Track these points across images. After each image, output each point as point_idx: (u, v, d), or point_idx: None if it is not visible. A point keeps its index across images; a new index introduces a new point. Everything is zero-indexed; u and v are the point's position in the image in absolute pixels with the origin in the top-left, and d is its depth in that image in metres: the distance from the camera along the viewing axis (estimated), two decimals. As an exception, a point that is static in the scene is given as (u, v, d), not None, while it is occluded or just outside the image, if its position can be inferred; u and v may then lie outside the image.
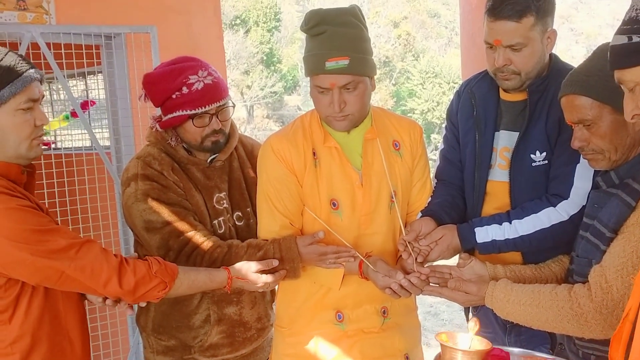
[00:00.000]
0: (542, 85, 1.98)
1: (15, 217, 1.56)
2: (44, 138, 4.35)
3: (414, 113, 28.18)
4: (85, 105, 4.13)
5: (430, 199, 2.13)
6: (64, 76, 3.08)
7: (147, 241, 2.06)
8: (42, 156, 3.11)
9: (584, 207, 1.84)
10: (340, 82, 1.87)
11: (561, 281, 1.89)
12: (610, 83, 1.36)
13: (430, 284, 1.91)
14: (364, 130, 2.03)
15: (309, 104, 2.16)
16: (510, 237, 1.93)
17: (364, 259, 1.94)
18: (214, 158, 2.19)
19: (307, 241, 1.95)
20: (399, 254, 2.00)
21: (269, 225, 2.04)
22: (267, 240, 2.01)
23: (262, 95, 27.27)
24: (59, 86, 4.07)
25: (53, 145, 4.37)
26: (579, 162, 1.88)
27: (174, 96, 2.06)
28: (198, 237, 2.02)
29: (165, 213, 2.02)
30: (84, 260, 1.62)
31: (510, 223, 1.94)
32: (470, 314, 2.28)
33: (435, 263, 2.00)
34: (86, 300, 1.87)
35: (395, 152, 2.09)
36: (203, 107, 2.06)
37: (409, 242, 1.95)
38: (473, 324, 1.38)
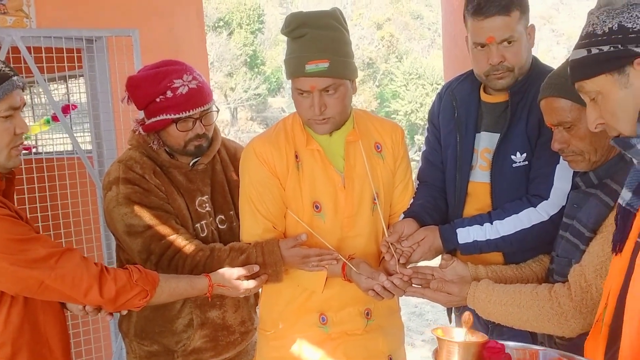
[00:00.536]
0: (523, 87, 2.00)
1: None
2: (25, 142, 4.31)
3: (397, 114, 28.28)
4: (66, 109, 4.10)
5: (412, 200, 2.14)
6: (45, 80, 3.05)
7: (128, 245, 2.06)
8: (22, 160, 3.10)
9: (563, 207, 1.86)
10: (321, 85, 1.88)
11: (542, 281, 1.91)
12: None
13: (413, 285, 1.92)
14: (346, 132, 2.03)
15: (293, 106, 2.16)
16: (492, 238, 1.95)
17: (346, 262, 1.94)
18: (196, 161, 2.18)
19: (290, 244, 1.95)
20: (382, 256, 2.01)
21: (251, 228, 2.03)
22: (249, 243, 2.01)
23: (246, 98, 27.22)
24: (40, 90, 4.04)
25: (34, 150, 4.33)
26: (558, 163, 1.90)
27: (158, 100, 2.05)
28: (180, 241, 2.01)
29: (147, 217, 2.02)
30: (64, 269, 1.61)
31: (492, 224, 1.96)
32: (453, 315, 2.30)
33: (417, 264, 2.02)
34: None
35: (377, 154, 2.10)
36: (187, 112, 2.06)
37: (391, 244, 1.95)
38: (467, 318, 1.39)
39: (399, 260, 1.93)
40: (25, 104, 1.72)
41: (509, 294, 1.72)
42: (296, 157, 2.01)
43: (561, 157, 1.82)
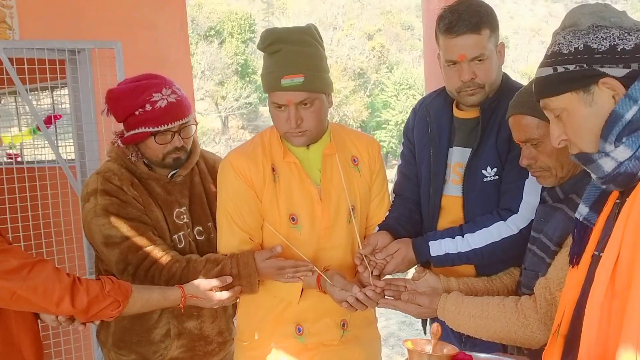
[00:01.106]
0: (494, 104, 2.04)
1: None
2: (10, 151, 4.30)
3: (388, 124, 28.39)
4: (50, 119, 4.12)
5: (388, 213, 2.18)
6: (27, 90, 3.08)
7: (106, 256, 2.08)
8: (4, 170, 3.12)
9: (532, 221, 1.91)
10: (296, 99, 1.92)
11: (512, 292, 1.95)
12: None
13: (386, 296, 1.95)
14: (322, 146, 2.07)
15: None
16: (463, 251, 1.99)
17: (321, 273, 1.97)
18: (174, 173, 2.21)
19: (265, 256, 1.98)
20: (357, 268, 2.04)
21: (228, 240, 2.06)
22: (225, 255, 2.04)
23: (237, 106, 27.24)
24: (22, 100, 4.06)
25: (19, 159, 4.34)
26: (527, 177, 1.94)
27: (137, 113, 2.08)
28: (156, 252, 2.04)
29: (124, 228, 2.04)
30: (36, 280, 1.64)
31: (463, 237, 2.00)
32: (428, 325, 2.33)
33: (391, 276, 2.05)
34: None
35: (354, 167, 2.14)
36: (165, 125, 2.09)
37: (365, 256, 1.99)
38: (435, 329, 1.43)
39: (372, 272, 1.96)
40: None
41: (477, 306, 1.76)
42: (273, 170, 2.04)
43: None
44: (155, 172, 2.19)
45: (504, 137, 2.00)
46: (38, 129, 3.83)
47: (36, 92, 4.16)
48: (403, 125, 2.43)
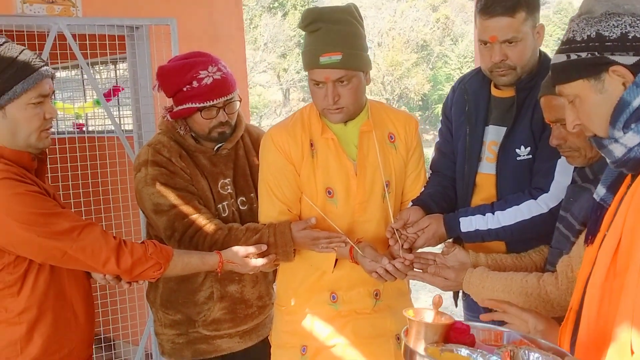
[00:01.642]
0: (530, 83, 2.06)
1: (24, 201, 1.73)
2: (78, 121, 4.55)
3: (451, 98, 27.75)
4: (115, 91, 4.33)
5: (422, 189, 2.24)
6: (89, 64, 3.26)
7: (155, 222, 2.23)
8: (67, 139, 3.33)
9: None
10: (334, 76, 1.98)
11: (540, 270, 1.98)
12: None
13: (415, 269, 2.02)
14: (360, 122, 2.14)
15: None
16: (493, 227, 2.03)
17: (353, 245, 2.05)
18: (220, 146, 2.34)
19: (301, 226, 2.08)
20: (390, 241, 2.11)
21: (268, 210, 2.17)
22: (264, 224, 2.15)
23: (298, 79, 27.33)
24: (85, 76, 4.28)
25: (84, 128, 4.59)
26: (560, 157, 1.96)
27: (184, 89, 2.20)
28: (201, 220, 2.17)
29: (172, 197, 2.18)
30: (85, 242, 1.79)
31: (493, 214, 2.04)
32: (460, 300, 2.39)
33: (422, 250, 2.12)
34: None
35: (390, 144, 2.20)
36: (211, 101, 2.20)
37: (396, 230, 2.06)
38: (437, 300, 1.50)
39: (402, 245, 2.04)
40: (54, 92, 1.89)
41: (501, 280, 1.81)
42: (311, 145, 2.13)
43: (561, 153, 1.88)
44: (202, 145, 2.31)
45: (538, 117, 2.02)
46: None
47: (98, 66, 4.37)
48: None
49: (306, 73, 2.09)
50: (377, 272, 1.99)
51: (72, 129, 4.57)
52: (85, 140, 3.39)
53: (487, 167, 2.15)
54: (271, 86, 28.23)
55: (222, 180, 2.33)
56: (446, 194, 2.23)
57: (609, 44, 1.27)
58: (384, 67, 26.49)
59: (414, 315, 1.46)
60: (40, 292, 1.82)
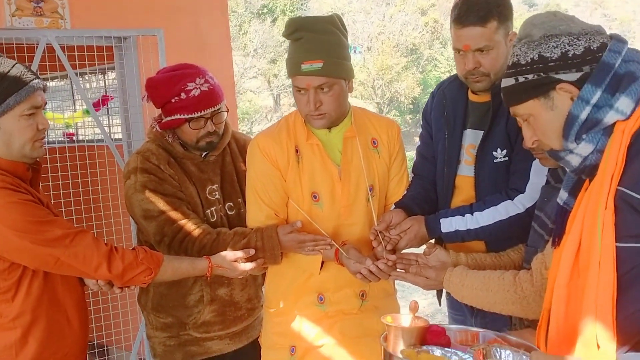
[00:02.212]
0: (505, 88, 2.13)
1: (18, 209, 1.79)
2: (67, 130, 4.59)
3: (440, 101, 27.82)
4: (104, 100, 4.38)
5: (405, 192, 2.31)
6: (77, 75, 3.32)
7: (145, 228, 2.29)
8: (57, 148, 3.38)
9: (538, 200, 2.00)
10: (315, 83, 2.05)
11: (518, 268, 2.05)
12: None
13: (397, 269, 2.09)
14: (344, 128, 2.20)
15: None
16: (472, 228, 2.10)
17: (338, 247, 2.12)
18: (207, 153, 2.40)
19: (287, 230, 2.14)
20: (374, 243, 2.17)
21: (255, 215, 2.23)
22: (252, 228, 2.21)
23: (289, 84, 27.33)
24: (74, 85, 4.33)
25: (74, 137, 4.63)
26: (535, 159, 2.03)
27: (173, 100, 2.26)
28: (190, 225, 2.23)
29: (161, 203, 2.24)
30: (77, 248, 1.84)
31: (472, 215, 2.11)
32: (444, 298, 2.46)
33: (404, 251, 2.18)
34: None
35: (373, 149, 2.27)
36: (199, 112, 2.27)
37: (380, 232, 2.12)
38: (413, 305, 1.56)
39: (385, 247, 2.10)
40: (46, 103, 1.95)
41: (479, 279, 1.88)
42: (296, 151, 2.19)
43: (536, 154, 1.95)
44: (189, 152, 2.37)
45: (513, 121, 2.06)
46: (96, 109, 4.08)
47: (87, 75, 4.42)
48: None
49: (294, 79, 2.14)
50: (361, 273, 2.06)
51: (62, 138, 4.62)
52: (76, 149, 3.45)
53: (466, 170, 2.22)
54: (262, 92, 28.27)
55: (209, 187, 2.39)
56: (428, 196, 2.30)
57: (552, 64, 1.36)
58: (374, 71, 26.60)
59: (392, 320, 1.53)
60: (34, 297, 1.88)
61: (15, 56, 2.29)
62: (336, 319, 2.25)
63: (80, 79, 3.95)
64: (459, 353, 1.43)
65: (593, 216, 1.27)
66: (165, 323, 2.42)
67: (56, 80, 4.44)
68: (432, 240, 2.21)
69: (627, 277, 1.25)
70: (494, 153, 2.14)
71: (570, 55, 1.34)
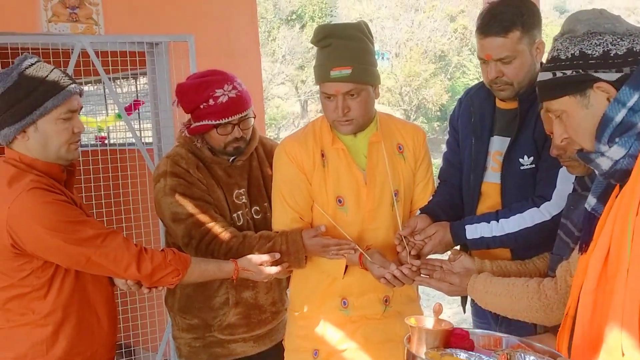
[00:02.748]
0: (532, 95, 2.10)
1: (52, 209, 1.84)
2: (100, 134, 4.70)
3: (469, 108, 27.58)
4: (136, 104, 4.47)
5: (431, 197, 2.32)
6: (110, 80, 3.40)
7: (173, 231, 2.33)
8: (90, 152, 3.46)
9: (565, 208, 1.99)
10: (344, 89, 2.07)
11: (544, 276, 2.04)
12: None
13: (421, 275, 2.10)
14: (369, 134, 2.22)
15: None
16: (497, 235, 2.10)
17: (362, 252, 2.13)
18: (235, 158, 2.44)
19: (312, 234, 2.16)
20: (399, 247, 2.18)
21: (281, 218, 2.26)
22: (277, 232, 2.24)
23: (316, 90, 27.31)
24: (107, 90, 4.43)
25: (106, 141, 4.74)
26: (562, 167, 2.03)
27: (201, 107, 2.31)
28: (217, 228, 2.27)
29: (190, 206, 2.28)
30: (108, 248, 1.89)
31: (498, 222, 2.10)
32: (468, 306, 2.45)
33: (429, 257, 2.19)
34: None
35: (399, 154, 2.28)
36: (226, 118, 2.31)
37: (404, 237, 2.13)
38: (437, 308, 1.57)
39: (410, 252, 2.11)
40: (82, 107, 2.01)
41: (503, 285, 1.87)
42: (322, 155, 2.21)
43: (563, 162, 1.94)
44: (218, 156, 2.41)
45: (540, 128, 2.07)
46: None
47: (119, 80, 4.52)
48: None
49: (322, 86, 2.16)
50: (385, 278, 2.07)
51: (94, 142, 4.72)
52: (107, 153, 3.53)
53: (492, 177, 2.22)
54: (289, 98, 28.39)
55: (237, 191, 2.42)
56: (453, 202, 2.30)
57: (592, 61, 1.34)
58: (401, 77, 26.52)
59: (415, 322, 1.54)
60: (66, 295, 1.93)
61: (51, 61, 2.36)
62: (359, 323, 2.26)
63: (113, 83, 4.03)
64: (483, 357, 1.43)
65: (623, 222, 1.25)
66: (191, 324, 2.46)
67: (89, 84, 4.55)
68: (457, 247, 2.22)
69: None
70: (521, 160, 2.14)
71: (612, 54, 1.32)
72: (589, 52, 1.34)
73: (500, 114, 2.23)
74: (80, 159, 3.25)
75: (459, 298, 2.35)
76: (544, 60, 2.14)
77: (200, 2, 4.00)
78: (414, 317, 1.58)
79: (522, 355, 1.40)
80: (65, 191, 1.95)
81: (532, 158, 2.13)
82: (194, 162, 2.37)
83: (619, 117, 1.31)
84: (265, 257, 2.14)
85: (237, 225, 2.39)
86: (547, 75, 1.41)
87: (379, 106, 2.28)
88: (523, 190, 2.14)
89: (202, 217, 2.28)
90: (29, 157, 1.92)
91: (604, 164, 1.34)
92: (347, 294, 2.26)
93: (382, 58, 25.20)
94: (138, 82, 4.34)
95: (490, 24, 2.03)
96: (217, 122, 2.30)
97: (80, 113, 2.01)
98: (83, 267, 1.91)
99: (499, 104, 2.24)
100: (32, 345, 1.91)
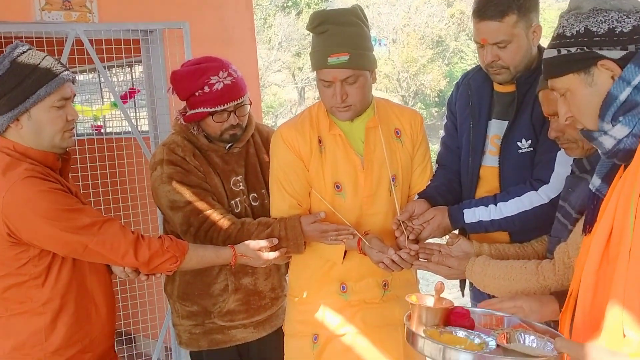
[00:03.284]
0: (530, 78, 2.11)
1: (48, 197, 1.84)
2: (96, 123, 4.67)
3: (466, 94, 27.51)
4: (131, 93, 4.45)
5: (429, 182, 2.31)
6: (105, 68, 3.38)
7: (171, 218, 2.33)
8: (86, 140, 3.45)
9: (563, 190, 1.99)
10: (341, 76, 2.06)
11: (542, 259, 2.04)
12: None
13: (420, 259, 2.10)
14: (366, 119, 2.21)
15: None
16: (496, 218, 2.09)
17: (361, 237, 2.13)
18: (231, 145, 2.43)
19: (310, 220, 2.16)
20: (397, 232, 2.18)
21: (279, 205, 2.25)
22: (275, 218, 2.24)
23: (313, 77, 27.15)
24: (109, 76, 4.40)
25: (102, 130, 4.72)
26: (560, 149, 2.02)
27: (197, 94, 2.30)
28: (215, 215, 2.27)
29: (187, 194, 2.28)
30: (105, 236, 1.89)
31: (496, 205, 2.10)
32: (467, 290, 2.46)
33: (427, 241, 2.19)
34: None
35: (396, 139, 2.27)
36: (222, 105, 2.29)
37: (402, 222, 2.13)
38: (439, 286, 1.57)
39: (408, 236, 2.11)
40: (75, 95, 2.00)
41: (501, 268, 1.88)
42: (319, 141, 2.21)
43: (560, 145, 1.94)
44: (214, 144, 2.40)
45: (538, 111, 2.06)
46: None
47: (114, 69, 4.49)
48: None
49: (320, 72, 2.14)
50: (383, 263, 2.07)
51: (90, 131, 4.70)
52: (104, 141, 3.52)
53: (490, 160, 2.22)
54: (286, 85, 28.28)
55: (234, 178, 2.42)
56: (451, 186, 2.30)
57: (597, 39, 1.31)
58: (399, 63, 26.43)
59: (416, 300, 1.54)
60: (64, 283, 1.93)
61: (45, 50, 2.34)
62: (358, 308, 2.26)
63: (108, 72, 4.01)
64: (482, 335, 1.43)
65: (626, 203, 1.24)
66: (191, 311, 2.46)
67: (84, 73, 4.52)
68: (456, 231, 2.22)
69: None
70: (519, 143, 2.13)
71: (617, 31, 1.30)
72: (594, 29, 1.32)
73: (498, 98, 2.22)
74: (77, 148, 3.27)
75: (457, 282, 2.36)
76: (542, 43, 2.13)
77: (194, -12, 3.98)
78: (415, 294, 1.58)
79: (522, 334, 1.40)
80: (61, 179, 1.94)
81: (530, 141, 2.12)
82: (190, 149, 2.36)
83: (623, 96, 1.29)
84: (263, 243, 2.14)
85: (235, 212, 2.38)
86: (552, 53, 1.39)
87: (377, 92, 2.27)
88: (521, 173, 2.14)
89: (200, 205, 2.28)
90: (22, 146, 1.91)
91: (607, 142, 1.32)
92: (346, 278, 2.26)
93: (379, 44, 25.09)
94: (133, 71, 4.31)
95: (486, 8, 2.02)
96: (213, 109, 2.29)
97: (76, 102, 2.00)
98: (80, 255, 1.91)
99: (497, 87, 2.23)
100: (31, 333, 1.91)
